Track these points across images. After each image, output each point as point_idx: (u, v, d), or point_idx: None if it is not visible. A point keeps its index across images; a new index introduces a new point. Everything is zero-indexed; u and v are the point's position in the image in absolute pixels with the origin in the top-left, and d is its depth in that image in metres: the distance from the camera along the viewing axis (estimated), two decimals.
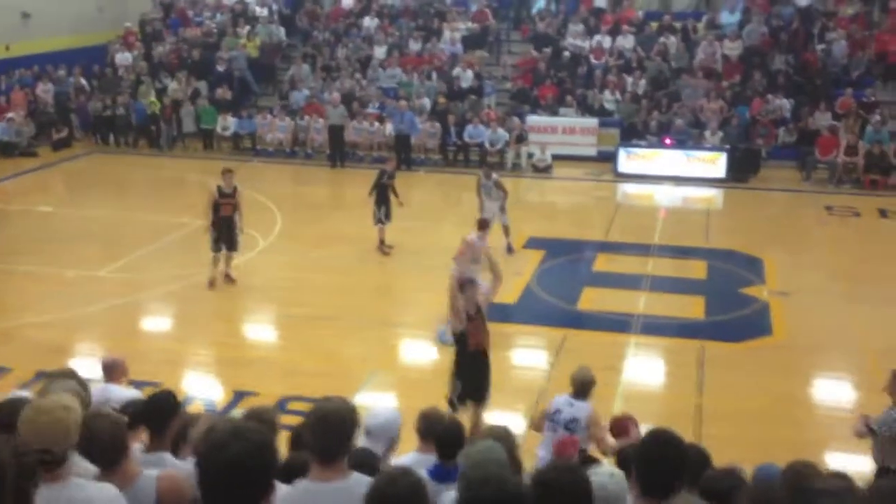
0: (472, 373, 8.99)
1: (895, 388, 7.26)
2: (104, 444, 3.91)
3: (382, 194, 15.26)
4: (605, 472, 4.31)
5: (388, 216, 15.30)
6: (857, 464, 8.62)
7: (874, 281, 14.13)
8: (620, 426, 7.26)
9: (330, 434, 3.90)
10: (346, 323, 12.45)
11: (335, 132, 22.32)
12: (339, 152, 22.32)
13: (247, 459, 2.87)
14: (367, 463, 4.93)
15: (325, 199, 20.77)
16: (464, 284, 9.01)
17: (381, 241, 15.35)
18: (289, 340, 12.30)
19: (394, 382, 10.84)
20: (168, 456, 4.57)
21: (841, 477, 6.20)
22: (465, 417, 8.82)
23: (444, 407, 8.44)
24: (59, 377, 6.05)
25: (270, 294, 13.82)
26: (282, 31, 27.48)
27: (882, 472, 7.21)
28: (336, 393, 8.67)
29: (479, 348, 9.00)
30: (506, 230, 15.48)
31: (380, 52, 25.86)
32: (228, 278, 13.92)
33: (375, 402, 9.89)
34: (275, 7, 28.56)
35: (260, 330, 13.02)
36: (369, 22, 27.12)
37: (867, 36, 23.89)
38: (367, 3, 28.15)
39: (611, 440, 7.39)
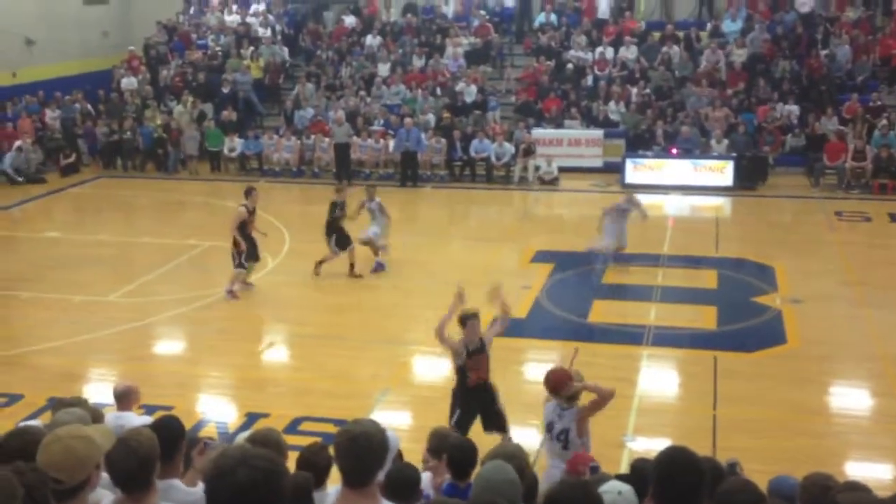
0: (483, 408, 8.63)
1: None
2: (130, 470, 3.82)
3: (332, 226, 14.80)
4: (613, 490, 4.26)
5: (341, 245, 14.77)
6: (875, 473, 8.55)
7: (886, 286, 14.02)
8: (558, 382, 7.24)
9: (360, 457, 3.83)
10: (356, 342, 12.41)
11: (341, 150, 22.34)
12: (346, 170, 22.33)
13: (254, 486, 2.83)
14: (409, 481, 4.91)
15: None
16: (466, 318, 8.54)
17: (351, 266, 14.96)
18: (300, 360, 12.26)
19: (406, 401, 10.79)
20: (177, 482, 4.51)
21: (859, 489, 6.11)
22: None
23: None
24: (66, 405, 6.04)
25: (280, 314, 13.79)
26: (285, 51, 27.63)
27: None
28: (348, 413, 8.66)
29: (480, 382, 8.68)
30: (375, 249, 15.27)
31: (383, 69, 25.94)
32: (238, 293, 14.13)
33: (387, 422, 9.86)
34: (277, 28, 28.70)
35: (271, 350, 12.99)
36: (372, 40, 27.19)
37: (871, 40, 23.86)
38: (370, 22, 28.25)
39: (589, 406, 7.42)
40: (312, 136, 23.29)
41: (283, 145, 23.28)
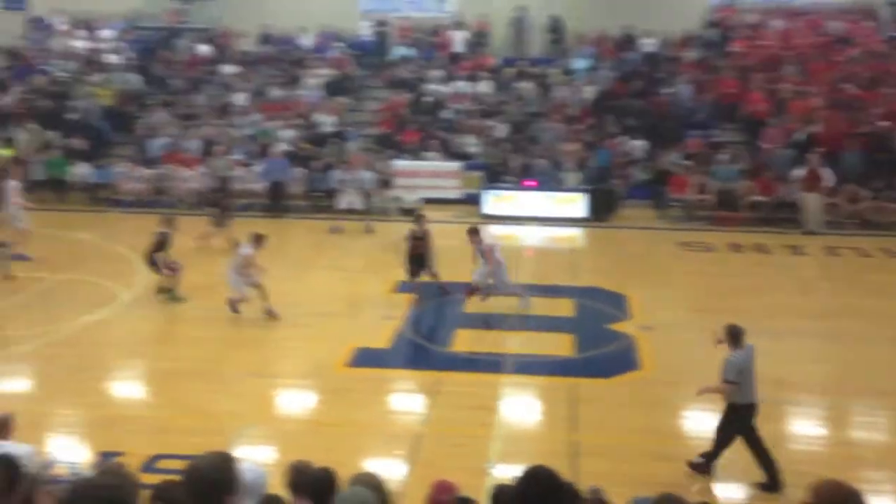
0: None
1: None
2: None
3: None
4: None
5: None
6: (726, 492, 9.00)
7: (729, 312, 14.66)
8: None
9: (204, 491, 3.73)
10: (218, 376, 12.10)
11: (222, 182, 21.67)
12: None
13: None
14: None
15: (191, 248, 20.17)
16: None
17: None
18: (158, 396, 11.83)
19: (270, 435, 10.57)
20: None
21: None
22: None
23: (319, 459, 8.28)
24: None
25: (137, 349, 13.31)
26: (137, 78, 26.83)
27: None
28: (209, 450, 8.40)
29: None
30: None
31: (239, 98, 25.59)
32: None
33: (248, 458, 9.65)
34: (129, 54, 27.88)
35: (127, 387, 12.48)
36: (227, 69, 26.82)
37: (709, 80, 25.32)
38: (224, 51, 27.86)
39: None
40: (168, 166, 22.70)
41: (136, 175, 22.57)
